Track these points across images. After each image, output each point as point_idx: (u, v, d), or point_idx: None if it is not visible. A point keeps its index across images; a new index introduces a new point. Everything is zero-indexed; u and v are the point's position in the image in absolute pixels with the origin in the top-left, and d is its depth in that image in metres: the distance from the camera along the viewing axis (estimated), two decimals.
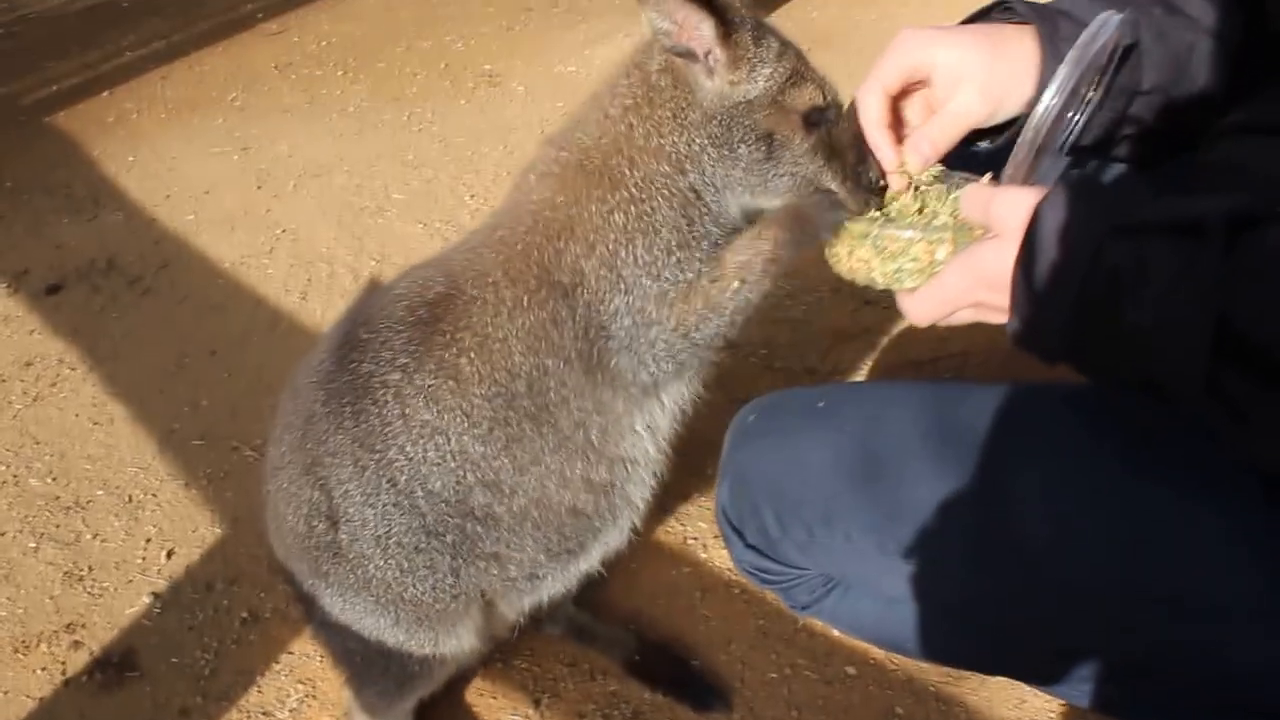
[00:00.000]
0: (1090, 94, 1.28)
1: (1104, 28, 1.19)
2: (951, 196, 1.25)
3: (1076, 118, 1.29)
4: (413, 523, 1.34)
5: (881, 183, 1.29)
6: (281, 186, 3.23)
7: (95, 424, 2.31)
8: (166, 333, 2.59)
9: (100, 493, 2.12)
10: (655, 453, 1.43)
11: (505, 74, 3.95)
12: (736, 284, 1.32)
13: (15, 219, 3.08)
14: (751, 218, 1.35)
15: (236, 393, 2.37)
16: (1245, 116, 1.29)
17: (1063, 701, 1.57)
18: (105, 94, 3.90)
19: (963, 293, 1.16)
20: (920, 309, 1.22)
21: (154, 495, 2.11)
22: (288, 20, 4.53)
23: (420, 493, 1.33)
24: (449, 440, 1.31)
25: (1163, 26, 1.31)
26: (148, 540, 2.02)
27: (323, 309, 2.64)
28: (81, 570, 1.96)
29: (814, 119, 1.27)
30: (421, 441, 1.31)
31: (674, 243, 1.30)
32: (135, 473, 2.17)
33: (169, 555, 1.98)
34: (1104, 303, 1.02)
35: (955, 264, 1.17)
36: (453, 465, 1.32)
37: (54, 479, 2.16)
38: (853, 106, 1.31)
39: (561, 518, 1.39)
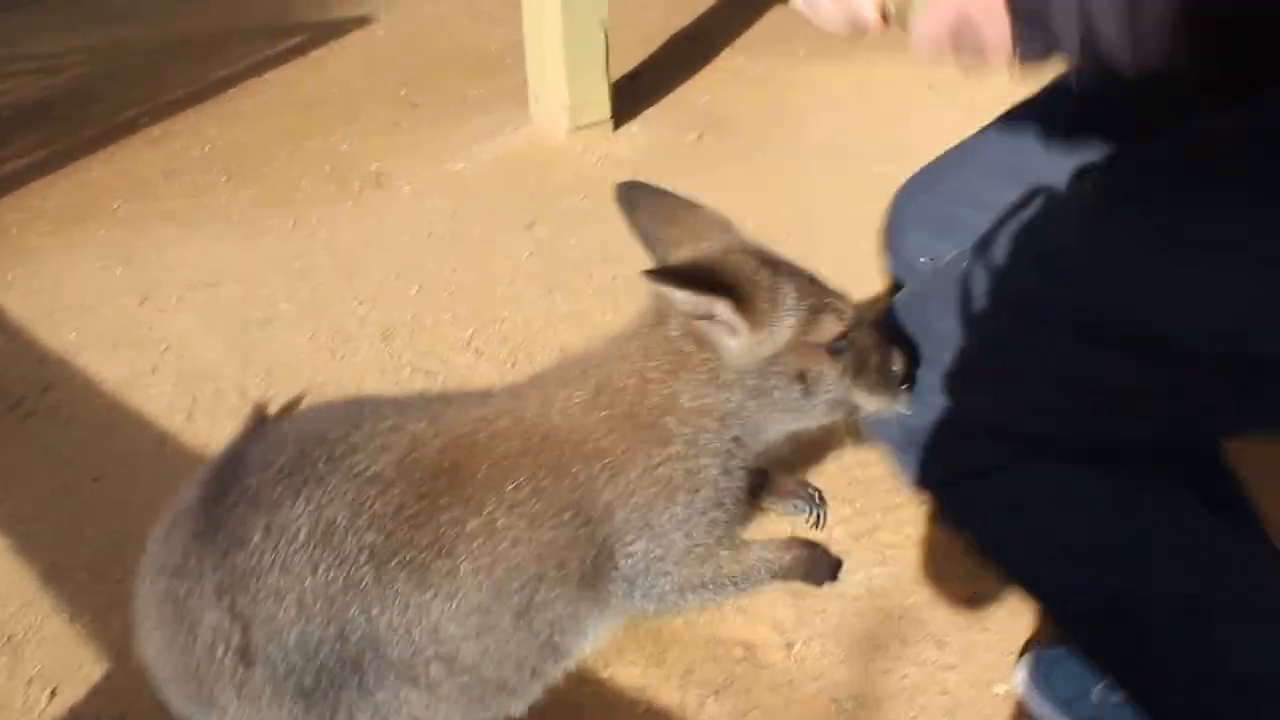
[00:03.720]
0: None
1: None
2: None
3: None
4: (350, 679, 1.29)
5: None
6: (166, 300, 3.22)
7: None
8: (49, 459, 2.56)
9: None
10: (588, 649, 1.45)
11: (392, 174, 4.00)
12: (743, 573, 1.41)
13: None
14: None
15: (122, 521, 2.35)
16: None
17: None
18: None
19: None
20: (919, 29, 1.24)
21: (36, 632, 2.09)
22: (172, 124, 4.51)
23: (370, 655, 1.28)
24: (423, 617, 1.28)
25: None
26: (29, 681, 1.99)
27: (209, 429, 2.63)
28: None
29: (838, 345, 1.31)
30: (390, 610, 1.27)
31: (712, 502, 1.34)
32: (17, 609, 2.14)
33: (52, 695, 1.96)
34: None
35: None
36: (418, 639, 1.29)
37: None
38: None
39: (496, 694, 1.39)
